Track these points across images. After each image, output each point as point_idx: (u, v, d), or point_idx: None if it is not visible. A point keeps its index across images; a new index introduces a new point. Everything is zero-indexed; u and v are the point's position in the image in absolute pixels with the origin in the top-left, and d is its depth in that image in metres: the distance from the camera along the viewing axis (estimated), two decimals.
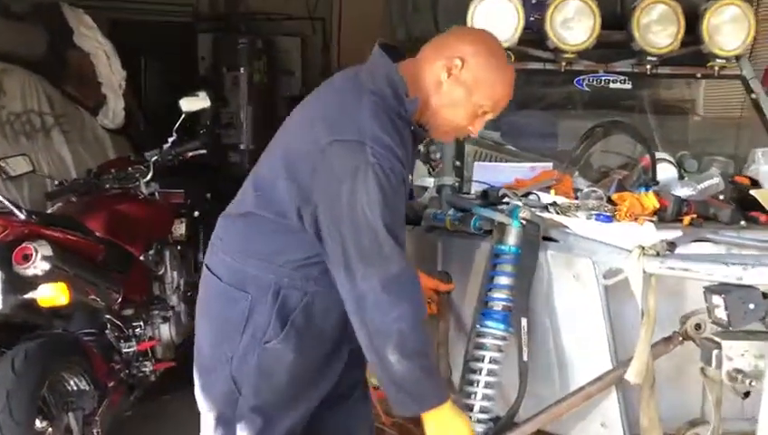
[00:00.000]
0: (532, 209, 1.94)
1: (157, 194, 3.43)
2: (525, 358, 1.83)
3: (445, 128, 1.76)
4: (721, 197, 2.23)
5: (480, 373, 1.88)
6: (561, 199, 2.14)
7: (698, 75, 2.80)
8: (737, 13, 2.65)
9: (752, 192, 2.01)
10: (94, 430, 2.45)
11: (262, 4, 7.46)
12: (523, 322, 1.85)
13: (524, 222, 1.88)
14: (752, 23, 2.67)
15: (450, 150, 2.47)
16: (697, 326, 1.68)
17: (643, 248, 1.66)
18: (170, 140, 3.43)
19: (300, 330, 1.74)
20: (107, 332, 2.68)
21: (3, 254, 2.15)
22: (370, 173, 1.60)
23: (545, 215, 1.98)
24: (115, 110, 5.25)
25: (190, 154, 3.55)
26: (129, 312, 2.84)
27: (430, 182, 2.40)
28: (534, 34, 2.65)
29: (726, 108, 4.22)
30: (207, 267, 1.87)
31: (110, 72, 5.38)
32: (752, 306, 1.48)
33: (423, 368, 1.61)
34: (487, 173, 2.36)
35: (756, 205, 2.06)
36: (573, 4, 2.62)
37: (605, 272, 1.76)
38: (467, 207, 2.19)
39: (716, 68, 2.72)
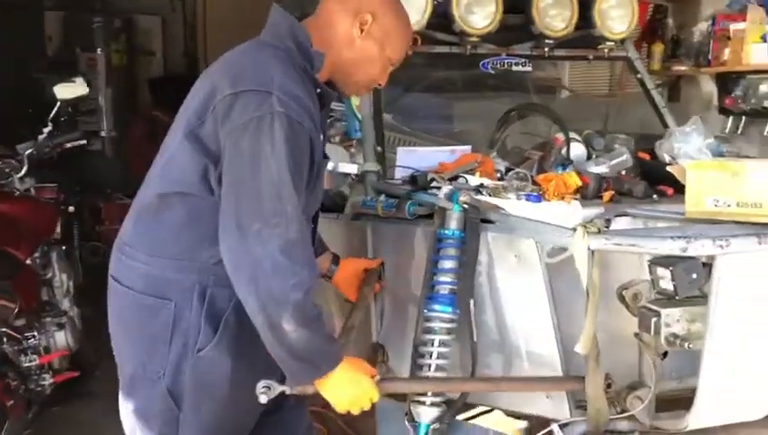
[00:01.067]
0: (469, 193, 1.97)
1: (32, 190, 3.15)
2: (475, 338, 1.87)
3: (361, 84, 1.76)
4: (623, 172, 2.39)
5: (430, 357, 1.90)
6: (487, 182, 2.19)
7: (590, 57, 2.96)
8: None
9: (668, 168, 2.17)
10: None
11: None
12: (471, 303, 1.89)
13: (465, 206, 1.92)
14: (635, 8, 2.87)
15: (370, 136, 2.46)
16: (635, 296, 1.79)
17: (585, 226, 1.75)
18: (46, 130, 3.16)
19: (233, 331, 1.63)
20: (4, 346, 2.42)
21: None
22: (277, 123, 1.50)
23: (479, 198, 2.02)
24: None
25: (69, 145, 3.31)
26: (20, 322, 2.59)
27: (354, 168, 2.38)
28: (441, 19, 2.69)
29: (592, 87, 4.52)
30: (114, 279, 1.72)
31: None
32: (695, 276, 1.61)
33: (320, 334, 1.56)
34: (410, 158, 2.37)
35: (662, 179, 2.23)
36: None
37: (549, 251, 1.83)
38: (398, 194, 2.20)
39: (606, 50, 2.90)
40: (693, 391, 1.77)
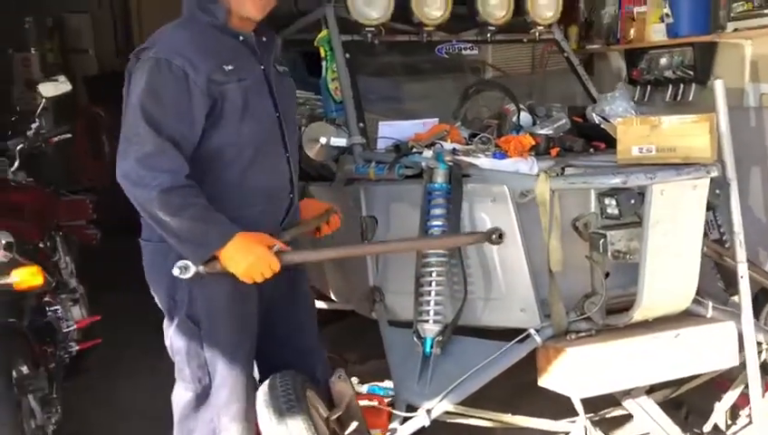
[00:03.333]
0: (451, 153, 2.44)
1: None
2: (468, 269, 2.35)
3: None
4: (563, 132, 2.90)
5: (430, 285, 2.36)
6: (458, 146, 2.67)
7: (525, 40, 3.47)
8: None
9: (603, 126, 2.71)
10: (53, 410, 2.53)
11: None
12: None
13: (450, 163, 2.38)
14: None
15: (353, 115, 2.88)
16: (586, 225, 2.31)
17: (547, 172, 2.25)
18: (33, 126, 3.42)
19: None
20: (49, 314, 2.72)
21: None
22: (147, 66, 1.93)
23: (458, 157, 2.49)
24: None
25: (55, 139, 3.57)
26: (47, 298, 2.88)
27: (343, 141, 2.80)
28: (401, 11, 3.13)
29: (515, 66, 5.06)
30: (142, 239, 2.12)
31: None
32: (633, 202, 2.14)
33: (194, 217, 1.88)
34: (390, 130, 2.81)
35: (595, 137, 2.77)
36: None
37: (518, 194, 2.32)
38: (386, 160, 2.63)
39: (537, 34, 3.42)
40: (633, 296, 2.31)
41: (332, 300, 3.12)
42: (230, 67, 1.98)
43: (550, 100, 3.38)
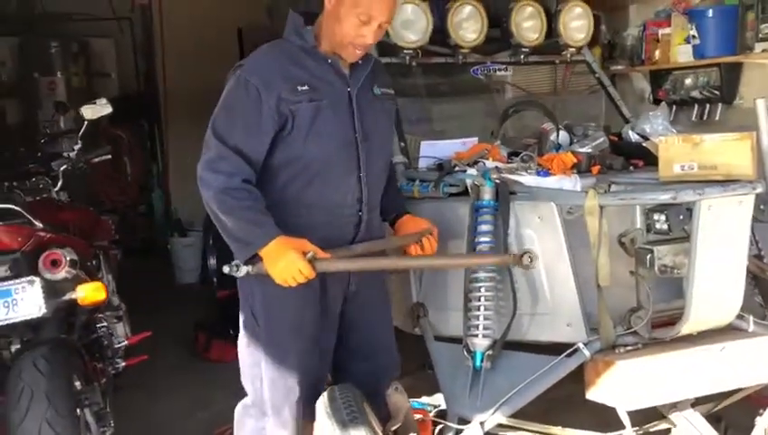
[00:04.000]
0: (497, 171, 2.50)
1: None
2: (515, 285, 2.40)
3: (344, 43, 2.11)
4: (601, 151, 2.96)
5: (479, 301, 2.41)
6: (500, 164, 2.73)
7: (557, 61, 3.55)
8: (581, 12, 3.43)
9: (644, 144, 2.77)
10: (106, 424, 2.57)
11: (63, 4, 7.14)
12: None
13: (497, 181, 2.45)
14: (591, 20, 3.48)
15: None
16: (632, 241, 2.36)
17: (595, 188, 2.31)
18: (76, 148, 3.49)
19: None
20: (101, 330, 2.78)
21: (30, 262, 2.24)
22: (232, 81, 2.10)
23: (504, 175, 2.54)
24: None
25: (96, 160, 3.64)
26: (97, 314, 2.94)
27: None
28: (438, 35, 3.21)
29: (538, 86, 5.14)
30: None
31: None
32: (681, 217, 2.20)
33: (244, 218, 2.02)
34: (431, 150, 2.88)
35: (633, 155, 2.83)
36: (467, 8, 3.22)
37: (565, 211, 2.37)
38: (430, 178, 2.70)
39: (569, 56, 3.50)
40: (676, 310, 2.35)
41: None
42: (305, 87, 2.09)
43: (575, 119, 3.45)
